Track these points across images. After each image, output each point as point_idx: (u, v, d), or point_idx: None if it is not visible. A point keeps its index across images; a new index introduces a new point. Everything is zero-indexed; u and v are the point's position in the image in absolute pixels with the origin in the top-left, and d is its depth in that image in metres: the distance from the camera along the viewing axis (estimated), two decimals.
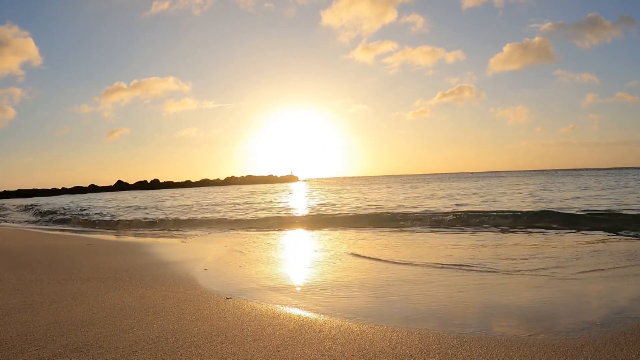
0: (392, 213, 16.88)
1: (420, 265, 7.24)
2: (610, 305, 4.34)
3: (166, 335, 3.68)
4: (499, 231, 11.69)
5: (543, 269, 6.50)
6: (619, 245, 8.74)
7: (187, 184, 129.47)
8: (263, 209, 23.17)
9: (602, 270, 6.31)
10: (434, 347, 3.33)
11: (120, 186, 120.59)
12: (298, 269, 7.27)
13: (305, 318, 4.13)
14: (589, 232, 10.76)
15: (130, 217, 21.74)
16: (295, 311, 4.38)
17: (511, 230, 11.79)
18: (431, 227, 13.29)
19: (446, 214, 15.54)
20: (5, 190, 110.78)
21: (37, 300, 4.97)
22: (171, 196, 47.65)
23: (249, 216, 19.40)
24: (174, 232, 15.42)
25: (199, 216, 20.14)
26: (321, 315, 4.21)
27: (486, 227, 12.54)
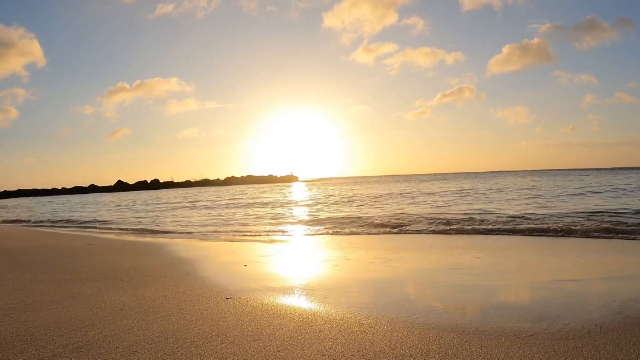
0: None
1: (420, 266, 7.23)
2: (610, 305, 4.32)
3: (166, 335, 3.67)
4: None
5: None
6: None
7: (187, 184, 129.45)
8: None
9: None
10: (434, 347, 3.33)
11: (121, 186, 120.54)
12: (298, 270, 7.26)
13: (305, 318, 4.13)
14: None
15: None
16: (295, 311, 4.38)
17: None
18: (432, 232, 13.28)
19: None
20: (5, 190, 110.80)
21: (37, 300, 4.97)
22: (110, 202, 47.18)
23: None
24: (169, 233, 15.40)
25: None
26: (321, 316, 4.21)
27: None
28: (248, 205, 28.89)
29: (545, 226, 11.64)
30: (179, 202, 37.47)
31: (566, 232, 10.76)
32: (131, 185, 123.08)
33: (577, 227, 11.18)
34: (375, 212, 19.12)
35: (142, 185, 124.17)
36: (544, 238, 10.25)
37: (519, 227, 12.04)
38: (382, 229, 13.34)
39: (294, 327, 3.85)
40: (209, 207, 29.17)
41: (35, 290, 5.51)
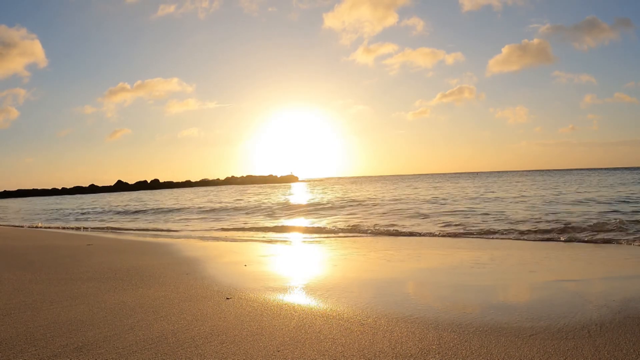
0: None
1: (420, 266, 7.22)
2: (610, 305, 4.32)
3: (166, 335, 3.67)
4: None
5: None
6: None
7: (187, 184, 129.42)
8: None
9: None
10: (434, 347, 3.32)
11: (120, 186, 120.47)
12: (298, 269, 7.25)
13: (305, 318, 4.12)
14: None
15: None
16: (295, 311, 4.37)
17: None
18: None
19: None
20: (5, 190, 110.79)
21: (37, 300, 4.96)
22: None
23: None
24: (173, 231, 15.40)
25: None
26: (321, 315, 4.20)
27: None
28: (238, 210, 26.44)
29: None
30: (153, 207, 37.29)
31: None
32: (131, 185, 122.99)
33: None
34: (376, 214, 19.11)
35: (142, 185, 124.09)
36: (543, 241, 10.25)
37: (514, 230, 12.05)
38: (383, 231, 13.30)
39: (294, 327, 3.84)
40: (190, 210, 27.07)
41: (35, 290, 5.51)
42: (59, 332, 3.76)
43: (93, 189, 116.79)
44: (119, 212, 29.18)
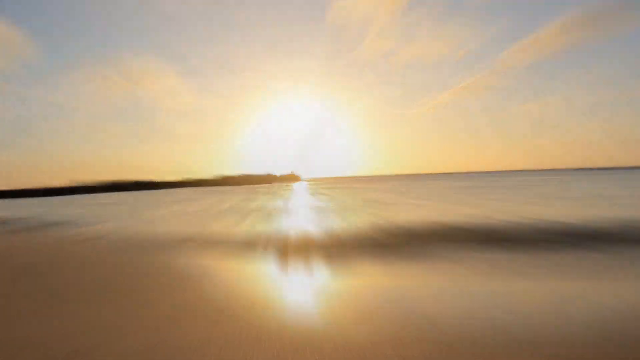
0: None
1: (420, 270, 7.05)
2: (610, 307, 4.29)
3: (166, 339, 3.67)
4: None
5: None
6: None
7: (185, 184, 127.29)
8: None
9: None
10: (434, 349, 3.33)
11: (116, 186, 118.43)
12: (298, 276, 7.08)
13: (306, 323, 4.10)
14: None
15: None
16: (296, 316, 4.35)
17: None
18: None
19: None
20: None
21: (26, 309, 4.99)
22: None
23: None
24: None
25: None
26: (321, 318, 4.19)
27: None
28: None
29: None
30: None
31: None
32: (127, 184, 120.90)
33: None
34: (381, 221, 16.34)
35: (140, 186, 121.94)
36: None
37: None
38: (386, 240, 12.14)
39: (294, 332, 3.80)
40: None
41: (26, 299, 5.52)
42: (55, 338, 3.77)
43: (86, 189, 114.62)
44: None
